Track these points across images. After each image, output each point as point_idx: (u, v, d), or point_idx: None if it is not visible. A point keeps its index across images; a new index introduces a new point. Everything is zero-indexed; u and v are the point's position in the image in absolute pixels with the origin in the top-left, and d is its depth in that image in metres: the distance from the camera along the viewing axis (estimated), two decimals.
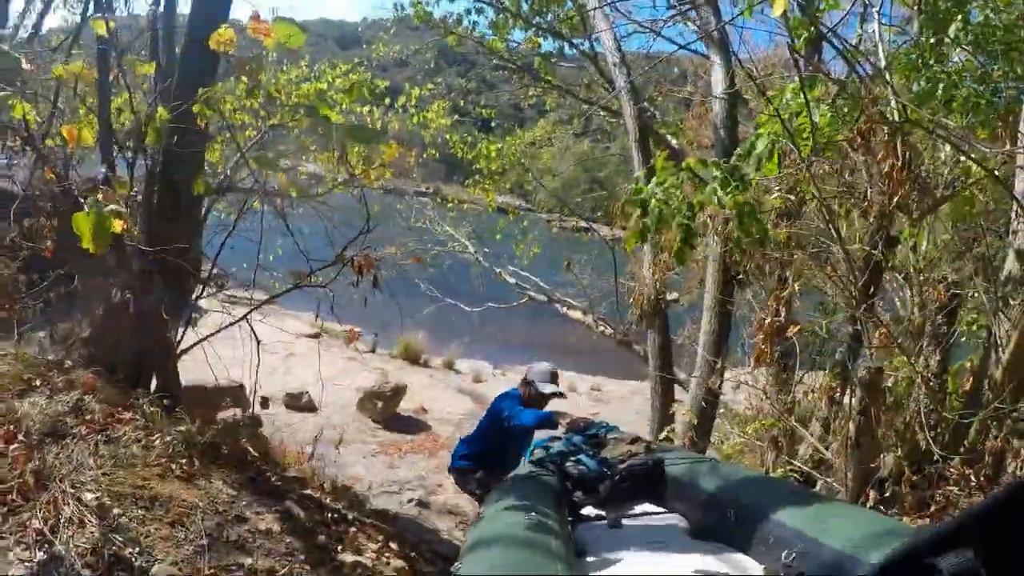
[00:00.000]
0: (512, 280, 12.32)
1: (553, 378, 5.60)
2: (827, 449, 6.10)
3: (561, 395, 5.58)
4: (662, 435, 6.16)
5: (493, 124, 13.39)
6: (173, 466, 3.91)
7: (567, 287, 12.44)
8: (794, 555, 2.04)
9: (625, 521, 2.91)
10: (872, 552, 1.80)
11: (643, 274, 7.17)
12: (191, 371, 13.66)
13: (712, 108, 7.32)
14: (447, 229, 12.94)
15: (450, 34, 10.70)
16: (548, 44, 11.13)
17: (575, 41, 10.62)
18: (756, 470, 4.59)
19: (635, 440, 3.52)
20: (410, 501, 8.11)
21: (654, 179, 3.78)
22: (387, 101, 10.47)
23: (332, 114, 3.62)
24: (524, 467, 3.58)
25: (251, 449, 4.86)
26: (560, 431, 4.29)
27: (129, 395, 4.33)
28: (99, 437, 3.69)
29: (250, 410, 12.79)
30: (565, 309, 11.75)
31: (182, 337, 5.49)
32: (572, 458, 3.38)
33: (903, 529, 2.09)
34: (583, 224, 14.08)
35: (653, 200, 3.64)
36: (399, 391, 14.30)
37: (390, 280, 13.39)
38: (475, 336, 16.32)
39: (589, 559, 2.50)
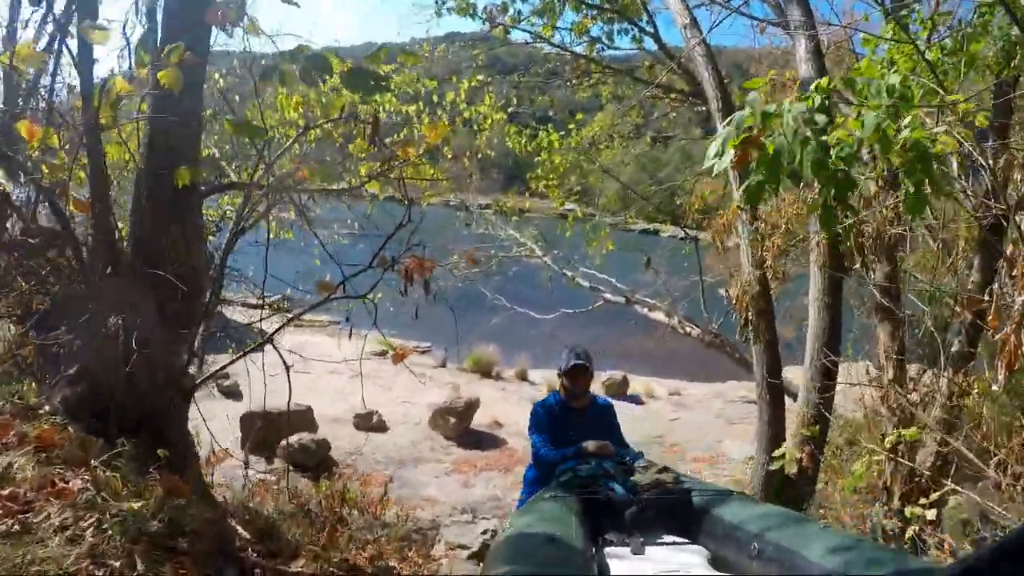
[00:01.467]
0: (585, 283, 11.30)
1: (576, 352, 4.74)
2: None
3: (584, 368, 4.71)
4: (777, 452, 5.07)
5: (549, 115, 12.36)
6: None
7: (644, 287, 11.40)
8: None
9: (648, 548, 2.85)
10: None
11: (744, 266, 6.07)
12: (256, 392, 13.28)
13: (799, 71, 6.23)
14: (511, 233, 12.00)
15: (495, 27, 9.76)
16: (597, 29, 10.16)
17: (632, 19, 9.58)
18: (778, 506, 3.84)
19: (664, 469, 3.48)
20: (484, 533, 7.17)
21: (777, 105, 2.72)
22: (435, 99, 9.62)
23: (334, 60, 2.72)
24: (552, 487, 3.52)
25: (241, 530, 3.64)
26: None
27: (103, 452, 3.36)
28: (11, 524, 2.52)
29: (316, 433, 12.30)
30: (646, 310, 10.65)
31: (191, 365, 4.56)
32: (601, 483, 3.35)
33: (930, 566, 2.20)
34: (657, 225, 13.01)
35: (781, 131, 2.56)
36: (471, 406, 13.58)
37: (453, 291, 12.67)
38: (547, 345, 15.37)
39: None
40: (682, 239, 12.05)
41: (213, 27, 3.45)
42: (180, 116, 3.60)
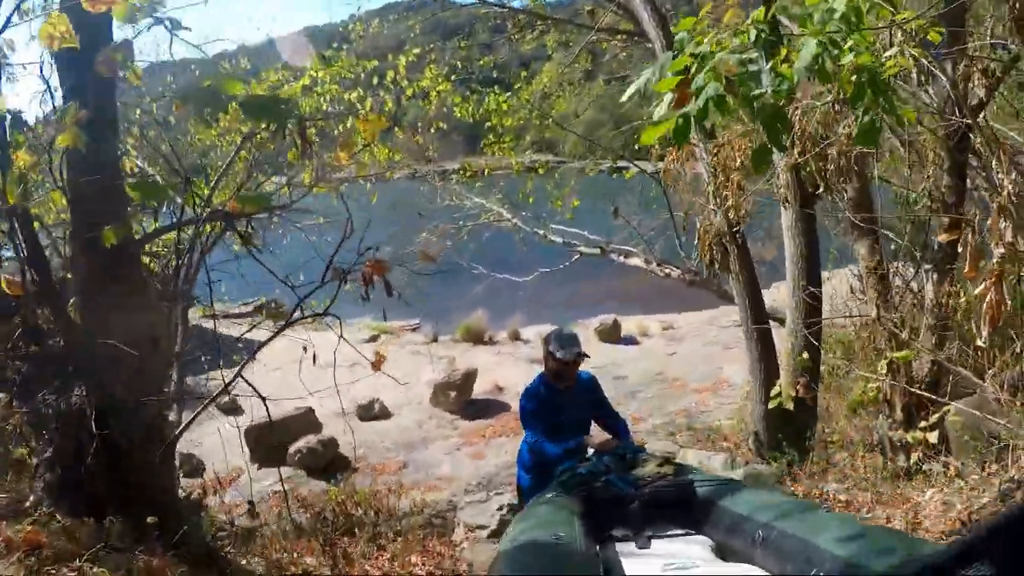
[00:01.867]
0: (558, 239, 11.11)
1: (570, 341, 4.47)
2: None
3: (584, 356, 4.52)
4: (774, 391, 4.97)
5: (496, 76, 12.02)
6: None
7: (618, 233, 11.21)
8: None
9: (654, 542, 2.84)
10: (902, 573, 1.74)
11: (708, 207, 5.91)
12: (257, 405, 13.16)
13: None
14: (477, 200, 11.75)
15: None
16: None
17: None
18: (783, 494, 4.02)
19: (664, 461, 3.42)
20: (500, 510, 7.13)
21: (697, 41, 2.53)
22: (375, 82, 9.30)
23: (235, 86, 2.52)
24: (554, 485, 3.48)
25: None
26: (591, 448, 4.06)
27: (93, 535, 3.19)
28: None
29: (322, 432, 12.20)
30: (622, 258, 10.49)
31: (169, 412, 4.40)
32: (601, 478, 3.32)
33: (934, 549, 2.00)
34: (622, 164, 12.77)
35: (705, 70, 2.38)
36: (470, 376, 13.51)
37: (431, 266, 12.49)
38: (533, 304, 15.31)
39: None
40: (653, 174, 11.88)
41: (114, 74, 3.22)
42: (97, 173, 3.39)
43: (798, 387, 4.98)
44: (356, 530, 7.19)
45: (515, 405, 12.61)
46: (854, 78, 2.54)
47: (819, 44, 2.45)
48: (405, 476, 11.19)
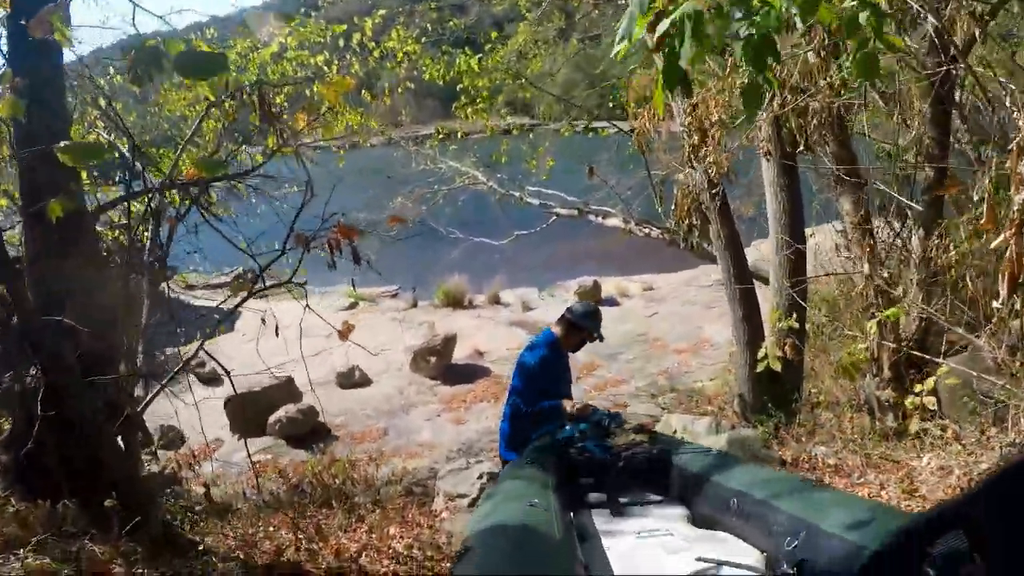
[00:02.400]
0: (535, 201, 10.85)
1: (600, 318, 4.37)
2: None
3: (600, 338, 4.43)
4: (760, 353, 4.79)
5: (468, 37, 11.61)
6: None
7: (595, 193, 10.96)
8: (795, 543, 2.03)
9: (628, 509, 2.85)
10: (872, 539, 1.80)
11: (685, 166, 5.65)
12: (238, 377, 12.92)
13: None
14: (451, 164, 11.44)
15: None
16: None
17: None
18: (757, 463, 3.86)
19: (640, 429, 3.46)
20: (480, 478, 6.97)
21: None
22: (341, 44, 8.92)
23: (176, 45, 2.26)
24: (529, 452, 3.44)
25: None
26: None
27: (48, 519, 2.97)
28: None
29: (301, 401, 12.00)
30: (600, 218, 10.24)
31: (135, 387, 4.14)
32: (577, 444, 3.30)
33: (902, 516, 2.08)
34: (598, 124, 12.47)
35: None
36: (450, 341, 13.33)
37: (407, 230, 12.21)
38: (512, 267, 15.07)
39: (592, 545, 2.46)
40: (628, 132, 11.60)
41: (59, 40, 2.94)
42: (44, 143, 3.12)
43: (785, 348, 4.81)
44: (333, 501, 7.01)
45: (496, 369, 12.53)
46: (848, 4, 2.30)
47: None
48: (386, 443, 11.06)
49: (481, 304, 16.19)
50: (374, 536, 6.07)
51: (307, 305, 4.17)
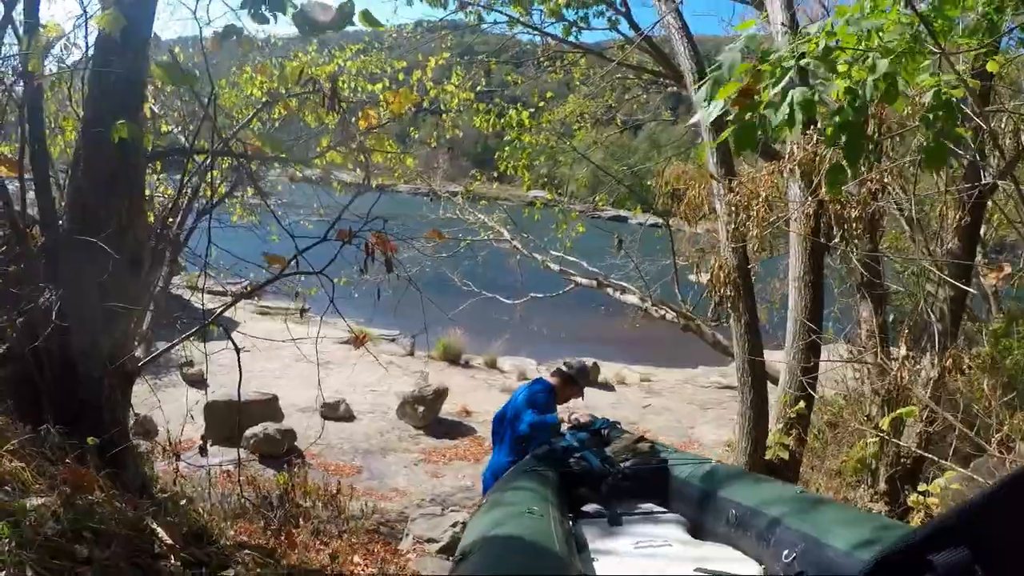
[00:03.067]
0: (555, 267, 10.84)
1: (588, 376, 5.03)
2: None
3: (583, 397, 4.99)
4: (768, 439, 4.70)
5: (519, 96, 11.80)
6: None
7: (615, 271, 10.98)
8: (794, 555, 2.00)
9: (626, 519, 2.81)
10: (870, 551, 1.72)
11: (721, 239, 5.67)
12: (226, 386, 12.78)
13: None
14: (479, 216, 11.50)
15: (464, 6, 9.28)
16: (571, 14, 9.72)
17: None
18: (755, 472, 3.93)
19: (639, 439, 3.40)
20: (453, 526, 6.77)
21: (763, 53, 2.29)
22: (401, 78, 9.10)
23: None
24: (528, 461, 3.40)
25: (163, 534, 2.88)
26: (565, 427, 4.02)
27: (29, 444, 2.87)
28: None
29: (282, 422, 11.82)
30: (618, 293, 10.20)
31: (137, 347, 4.06)
32: (576, 454, 3.25)
33: (901, 528, 2.17)
34: (622, 212, 12.62)
35: (782, 65, 2.13)
36: (440, 394, 13.16)
37: (421, 277, 12.20)
38: (517, 331, 14.96)
39: (589, 555, 2.42)
40: (652, 226, 11.71)
41: None
42: (123, 66, 3.13)
43: (791, 440, 4.72)
44: (301, 520, 6.83)
45: (481, 431, 12.34)
46: (925, 100, 2.34)
47: (892, 62, 2.24)
48: (359, 481, 10.83)
49: (477, 366, 16.09)
50: (337, 562, 5.89)
51: (332, 301, 4.12)
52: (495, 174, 11.68)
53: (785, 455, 4.48)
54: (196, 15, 3.44)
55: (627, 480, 3.05)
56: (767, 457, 4.65)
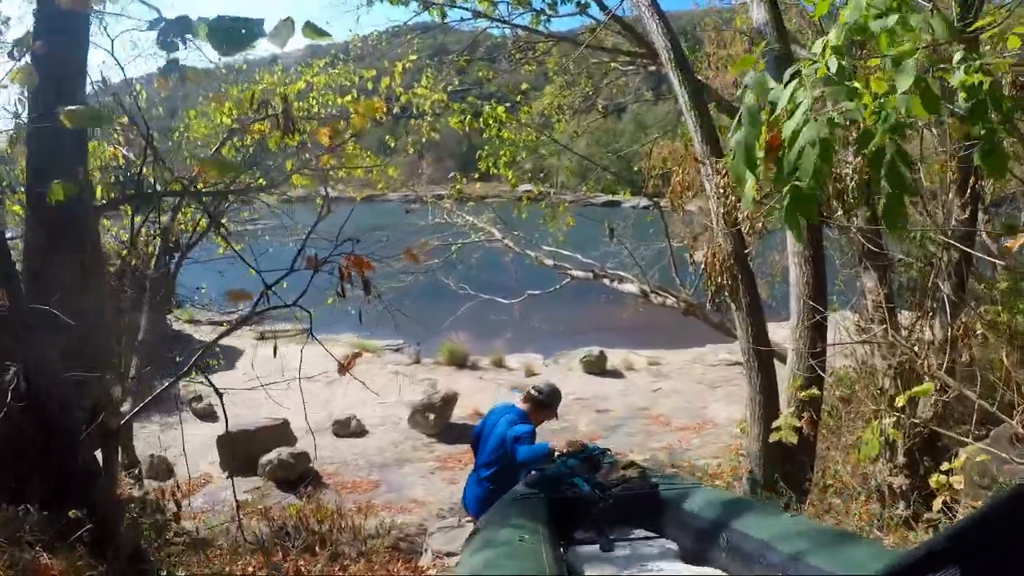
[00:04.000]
0: (550, 262, 10.59)
1: (558, 397, 4.89)
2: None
3: (557, 417, 5.04)
4: (775, 423, 4.49)
5: (494, 92, 11.48)
6: None
7: (610, 260, 10.74)
8: None
9: (617, 545, 2.77)
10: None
11: (713, 226, 5.45)
12: (236, 415, 12.63)
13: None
14: (468, 219, 11.26)
15: (429, 6, 9.04)
16: (537, 1, 9.47)
17: None
18: (747, 497, 4.00)
19: (629, 465, 3.35)
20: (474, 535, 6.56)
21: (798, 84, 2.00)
22: (370, 87, 8.85)
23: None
24: (518, 489, 3.36)
25: None
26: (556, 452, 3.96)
27: (11, 522, 2.69)
28: None
29: (295, 445, 11.65)
30: (616, 283, 9.96)
31: (124, 401, 3.87)
32: (566, 481, 3.21)
33: (892, 553, 2.12)
34: (614, 197, 12.36)
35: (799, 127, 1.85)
36: (450, 400, 13.03)
37: (417, 285, 12.00)
38: (519, 329, 14.78)
39: None
40: (645, 207, 11.48)
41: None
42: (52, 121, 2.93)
43: (802, 422, 4.51)
44: (317, 547, 6.66)
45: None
46: (966, 97, 2.04)
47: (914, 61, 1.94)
48: (377, 495, 10.69)
49: (484, 366, 15.92)
50: None
51: (310, 332, 3.93)
52: (475, 175, 11.35)
53: (794, 439, 4.26)
54: (114, 54, 3.22)
55: (618, 506, 2.98)
56: (772, 439, 4.43)
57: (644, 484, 3.10)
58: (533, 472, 3.46)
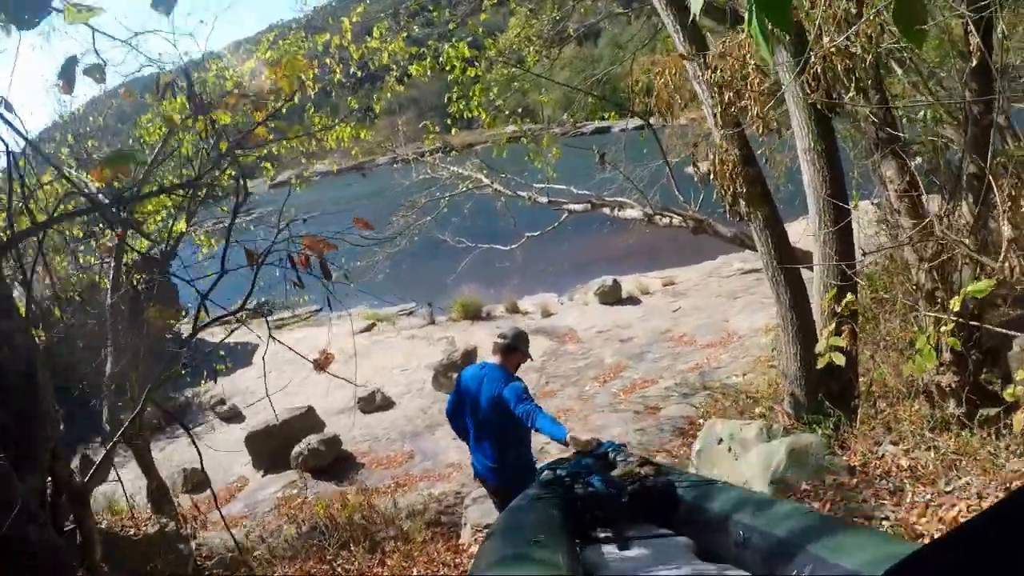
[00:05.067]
0: (544, 199, 9.91)
1: (525, 340, 4.62)
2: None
3: (531, 358, 4.82)
4: (818, 346, 3.91)
5: (455, 31, 10.60)
6: None
7: (607, 188, 10.03)
8: None
9: (633, 543, 2.64)
10: (879, 571, 1.55)
11: (712, 131, 4.80)
12: (259, 413, 12.27)
13: None
14: (452, 169, 10.57)
15: None
16: None
17: None
18: (765, 494, 3.63)
19: (644, 462, 3.22)
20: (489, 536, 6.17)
21: None
22: (321, 50, 8.15)
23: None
24: (533, 489, 3.26)
25: None
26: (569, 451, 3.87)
27: None
28: None
29: (324, 431, 11.28)
30: (616, 210, 9.27)
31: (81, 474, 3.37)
32: (581, 479, 3.12)
33: (910, 546, 1.99)
34: (603, 123, 11.63)
35: None
36: (470, 355, 12.60)
37: (414, 245, 11.44)
38: (526, 273, 14.23)
39: None
40: (636, 129, 10.79)
41: None
42: None
43: (845, 338, 3.94)
44: (351, 544, 6.28)
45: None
46: None
47: None
48: (413, 466, 10.35)
49: (499, 315, 15.46)
50: None
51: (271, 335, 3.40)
52: (448, 122, 10.53)
53: (842, 360, 3.71)
54: None
55: (633, 503, 2.90)
56: (819, 366, 3.88)
57: (659, 481, 3.02)
58: (547, 472, 3.31)
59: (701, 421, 7.94)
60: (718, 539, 2.56)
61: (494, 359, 4.45)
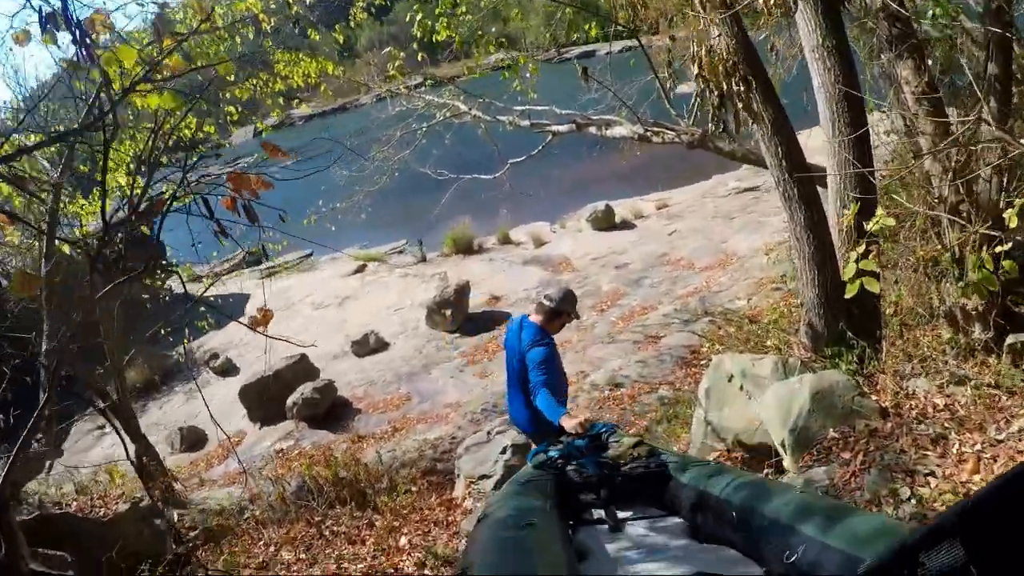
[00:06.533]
0: (525, 123, 9.09)
1: (572, 300, 4.45)
2: None
3: (578, 316, 4.70)
4: (846, 273, 3.26)
5: None
6: None
7: (594, 108, 9.21)
8: (795, 556, 1.90)
9: (627, 524, 2.58)
10: (872, 551, 1.69)
11: (705, 18, 4.02)
12: (254, 364, 11.74)
13: None
14: (427, 98, 9.72)
15: None
16: None
17: None
18: (758, 474, 3.48)
19: (638, 443, 3.04)
20: (503, 453, 5.77)
21: None
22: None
23: None
24: (525, 470, 3.13)
25: None
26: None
27: None
28: None
29: (318, 379, 10.78)
30: (603, 130, 8.45)
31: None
32: (573, 461, 2.99)
33: (904, 529, 1.88)
34: (588, 47, 10.72)
35: None
36: (463, 290, 12.11)
37: (396, 180, 10.71)
38: (515, 201, 13.34)
39: (591, 562, 2.29)
40: (622, 51, 9.98)
41: None
42: None
43: (873, 257, 3.30)
44: (338, 504, 5.85)
45: (515, 312, 11.05)
46: None
47: None
48: (411, 408, 9.91)
49: (492, 247, 14.83)
50: (380, 558, 4.84)
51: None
52: (415, 46, 9.60)
53: (876, 287, 3.09)
54: None
55: (627, 485, 2.81)
56: (849, 295, 3.26)
57: (652, 462, 2.90)
58: (539, 454, 3.16)
59: (705, 350, 7.39)
60: (712, 520, 2.45)
61: (536, 319, 4.34)
